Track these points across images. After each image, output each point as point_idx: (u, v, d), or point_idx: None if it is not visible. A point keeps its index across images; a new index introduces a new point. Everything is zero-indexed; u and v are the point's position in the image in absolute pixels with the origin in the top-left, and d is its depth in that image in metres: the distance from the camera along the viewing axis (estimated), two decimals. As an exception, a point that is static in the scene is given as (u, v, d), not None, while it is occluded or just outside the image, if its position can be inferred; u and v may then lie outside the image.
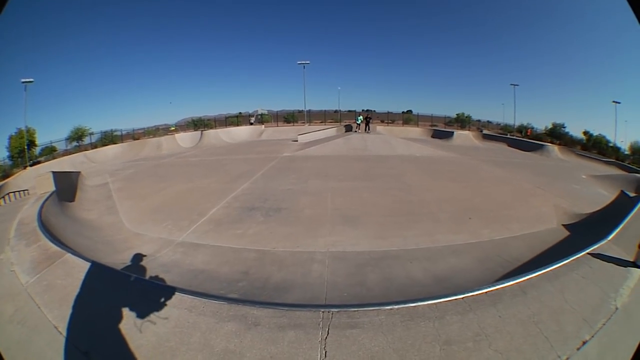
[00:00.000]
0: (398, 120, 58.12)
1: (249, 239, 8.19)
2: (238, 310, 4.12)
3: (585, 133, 53.38)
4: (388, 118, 58.16)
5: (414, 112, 63.95)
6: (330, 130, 33.12)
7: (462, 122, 58.69)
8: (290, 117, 52.12)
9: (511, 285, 4.58)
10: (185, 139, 35.05)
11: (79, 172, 15.80)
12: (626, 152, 48.71)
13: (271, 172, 15.39)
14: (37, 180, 12.15)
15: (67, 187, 12.60)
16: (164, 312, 4.19)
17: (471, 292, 4.35)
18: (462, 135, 39.25)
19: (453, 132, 39.97)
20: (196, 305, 4.27)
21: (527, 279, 4.76)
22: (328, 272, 6.42)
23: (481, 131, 47.85)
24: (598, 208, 9.72)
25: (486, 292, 4.37)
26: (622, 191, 9.79)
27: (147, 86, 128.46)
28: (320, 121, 52.44)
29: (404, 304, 4.12)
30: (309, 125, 44.84)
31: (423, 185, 13.10)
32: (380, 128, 40.25)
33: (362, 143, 24.56)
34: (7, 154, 40.41)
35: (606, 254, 5.68)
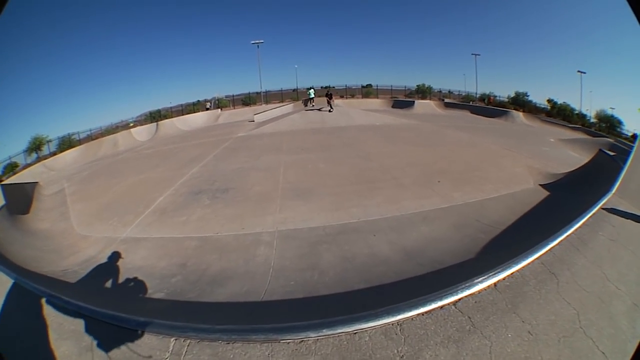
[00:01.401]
0: (357, 95, 57.70)
1: (192, 225, 7.29)
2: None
3: (549, 101, 54.19)
4: (347, 93, 57.65)
5: (374, 85, 63.45)
6: (286, 107, 32.37)
7: (423, 92, 58.61)
8: (247, 100, 50.53)
9: (531, 262, 3.68)
10: (141, 132, 33.96)
11: (36, 182, 14.91)
12: (592, 120, 49.96)
13: (223, 153, 14.41)
14: None
15: (20, 199, 11.86)
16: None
17: (469, 285, 3.33)
18: (424, 104, 39.30)
19: (414, 102, 39.90)
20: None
21: (550, 248, 3.87)
22: (275, 256, 5.43)
23: (443, 100, 47.88)
24: (573, 169, 9.24)
25: (495, 284, 3.45)
26: (600, 150, 9.58)
27: (102, 83, 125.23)
28: (278, 101, 51.43)
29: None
30: (267, 105, 43.81)
31: (383, 152, 12.29)
32: (339, 101, 39.41)
33: (319, 116, 23.80)
34: None
35: (620, 209, 5.09)
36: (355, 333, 2.92)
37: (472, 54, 62.30)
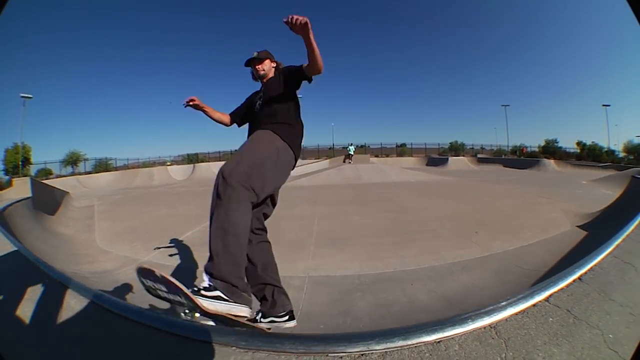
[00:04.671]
0: (392, 154, 58.15)
1: None
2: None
3: (579, 143, 53.90)
4: (382, 152, 58.04)
5: (408, 144, 63.88)
6: (323, 163, 33.02)
7: (456, 149, 59.00)
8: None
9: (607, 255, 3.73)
10: (177, 171, 36.00)
11: (67, 192, 15.50)
12: (621, 155, 49.13)
13: (257, 201, 14.30)
14: (15, 184, 11.81)
15: (48, 199, 12.12)
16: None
17: (557, 279, 3.18)
18: (457, 161, 39.62)
19: (447, 159, 40.47)
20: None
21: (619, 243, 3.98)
22: (305, 300, 5.11)
23: (475, 156, 47.84)
24: (607, 204, 8.95)
25: (580, 277, 3.33)
26: (633, 177, 9.40)
27: (147, 119, 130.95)
28: (314, 157, 52.09)
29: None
30: (303, 160, 44.26)
31: (420, 206, 12.04)
32: (374, 159, 39.67)
33: (355, 172, 23.87)
34: (2, 167, 40.67)
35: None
36: (438, 342, 2.44)
37: (502, 106, 62.62)
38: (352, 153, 35.10)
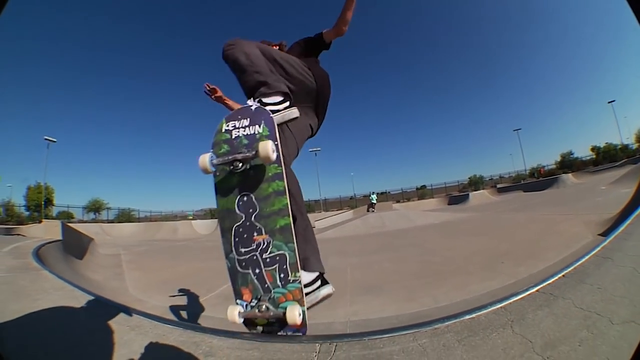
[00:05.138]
0: (413, 197, 58.15)
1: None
2: (190, 337, 3.44)
3: (593, 149, 53.16)
4: (403, 197, 58.09)
5: (428, 185, 63.97)
6: (347, 214, 33.31)
7: (476, 183, 59.08)
8: (307, 208, 51.70)
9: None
10: (201, 225, 36.23)
11: (92, 238, 15.79)
12: (635, 146, 48.20)
13: (288, 255, 14.59)
14: (46, 226, 12.09)
15: (76, 244, 12.37)
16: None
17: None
18: (478, 195, 39.66)
19: (468, 194, 40.51)
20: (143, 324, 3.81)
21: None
22: (347, 343, 5.52)
23: (495, 187, 47.75)
24: (625, 203, 9.19)
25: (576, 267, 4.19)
26: None
27: (169, 171, 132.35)
28: (336, 208, 52.40)
29: (456, 318, 3.28)
30: (326, 212, 44.50)
31: (445, 246, 12.37)
32: (396, 206, 39.87)
33: (380, 220, 24.12)
34: (24, 203, 41.00)
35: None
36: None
37: (514, 130, 62.44)
38: (374, 201, 35.59)
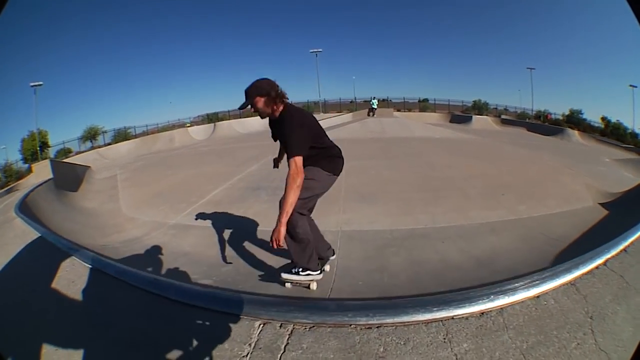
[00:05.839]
0: (415, 109, 57.31)
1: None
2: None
3: (603, 119, 52.33)
4: (404, 107, 57.22)
5: (431, 100, 62.87)
6: (346, 116, 32.60)
7: (479, 108, 57.84)
8: (305, 108, 50.87)
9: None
10: (198, 131, 35.76)
11: (88, 166, 15.97)
12: None
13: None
14: (35, 169, 12.14)
15: (69, 177, 12.40)
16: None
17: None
18: (481, 120, 39.12)
19: (471, 117, 39.84)
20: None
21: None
22: (339, 255, 5.15)
23: (499, 117, 47.14)
24: (629, 188, 8.62)
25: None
26: None
27: (162, 83, 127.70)
28: (336, 111, 51.73)
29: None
30: (325, 114, 43.89)
31: (446, 163, 11.99)
32: (397, 114, 39.24)
33: (379, 126, 23.77)
34: (21, 156, 40.99)
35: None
36: (538, 297, 2.74)
37: (528, 68, 60.83)
38: (375, 107, 34.72)
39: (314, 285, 3.97)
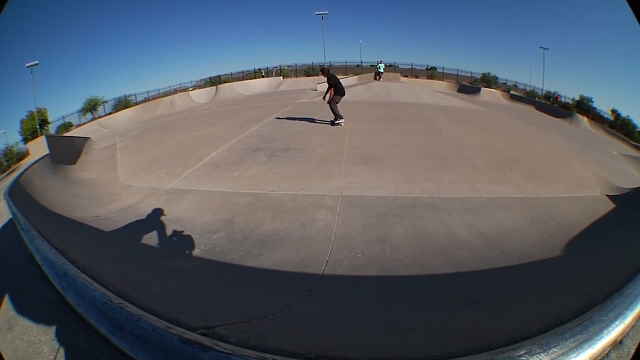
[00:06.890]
0: (422, 76, 56.58)
1: (246, 181, 6.94)
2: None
3: (614, 112, 51.57)
4: (412, 73, 56.44)
5: (438, 69, 61.90)
6: (351, 79, 31.83)
7: (488, 81, 56.80)
8: (310, 70, 50.16)
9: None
10: (200, 95, 35.48)
11: (88, 137, 15.22)
12: None
13: (284, 116, 14.08)
14: (31, 146, 12.11)
15: (67, 151, 11.99)
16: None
17: None
18: (489, 93, 38.76)
19: (480, 88, 39.21)
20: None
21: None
22: (338, 223, 4.88)
23: (508, 92, 46.63)
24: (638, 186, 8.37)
25: None
26: None
27: (161, 47, 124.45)
28: (342, 74, 50.98)
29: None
30: (330, 76, 43.34)
31: (453, 132, 11.58)
32: (404, 79, 38.62)
33: (385, 90, 23.04)
34: (21, 138, 40.64)
35: None
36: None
37: (541, 47, 59.72)
38: (382, 71, 34.09)
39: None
